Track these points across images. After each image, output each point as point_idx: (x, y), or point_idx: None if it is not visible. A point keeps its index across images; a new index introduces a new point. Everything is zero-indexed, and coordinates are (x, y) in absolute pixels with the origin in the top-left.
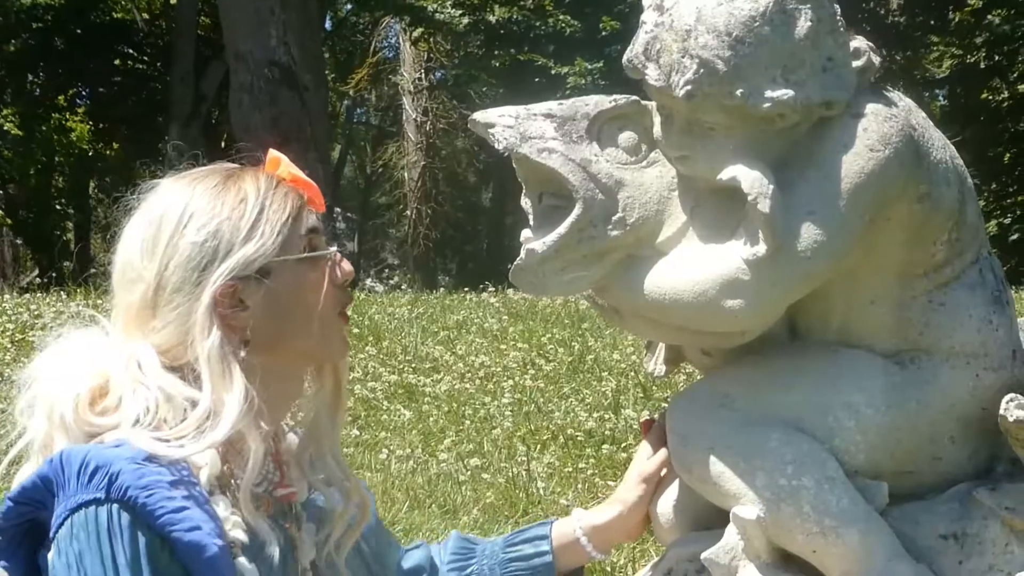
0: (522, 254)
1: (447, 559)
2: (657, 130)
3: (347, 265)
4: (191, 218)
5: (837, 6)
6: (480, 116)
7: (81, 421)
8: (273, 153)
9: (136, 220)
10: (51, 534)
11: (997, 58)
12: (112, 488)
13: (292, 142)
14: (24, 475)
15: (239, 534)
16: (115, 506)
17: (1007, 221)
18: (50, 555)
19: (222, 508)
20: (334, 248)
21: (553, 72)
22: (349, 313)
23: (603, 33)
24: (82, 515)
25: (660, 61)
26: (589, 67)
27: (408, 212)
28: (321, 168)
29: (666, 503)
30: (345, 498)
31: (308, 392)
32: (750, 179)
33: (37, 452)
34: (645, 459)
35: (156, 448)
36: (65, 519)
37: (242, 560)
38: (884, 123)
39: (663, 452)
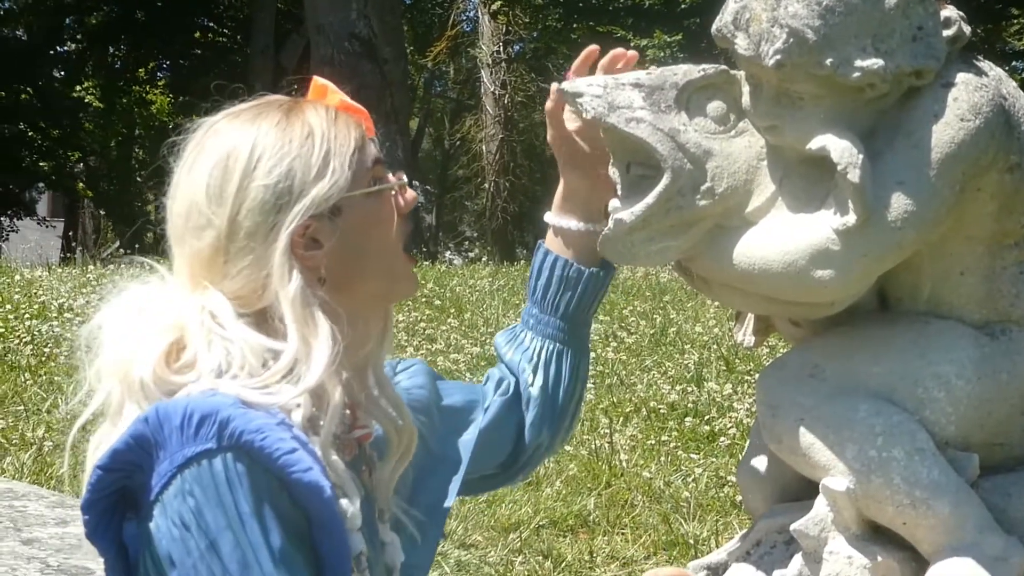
0: (610, 223)
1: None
2: (746, 100)
3: (410, 193)
4: (260, 159)
5: None
6: (568, 86)
7: (161, 381)
8: (319, 81)
9: (199, 163)
10: (151, 497)
11: None
12: (224, 435)
13: (372, 114)
14: (106, 441)
15: (333, 477)
16: (230, 454)
17: None
18: (152, 521)
19: (335, 459)
20: (399, 177)
21: (632, 44)
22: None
23: (682, 6)
24: (194, 469)
25: (749, 30)
26: (668, 39)
27: (486, 185)
28: (401, 140)
29: (754, 474)
30: (397, 433)
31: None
32: (840, 148)
33: (113, 416)
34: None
35: (251, 396)
36: (172, 477)
37: (344, 502)
38: (975, 92)
39: (552, 126)
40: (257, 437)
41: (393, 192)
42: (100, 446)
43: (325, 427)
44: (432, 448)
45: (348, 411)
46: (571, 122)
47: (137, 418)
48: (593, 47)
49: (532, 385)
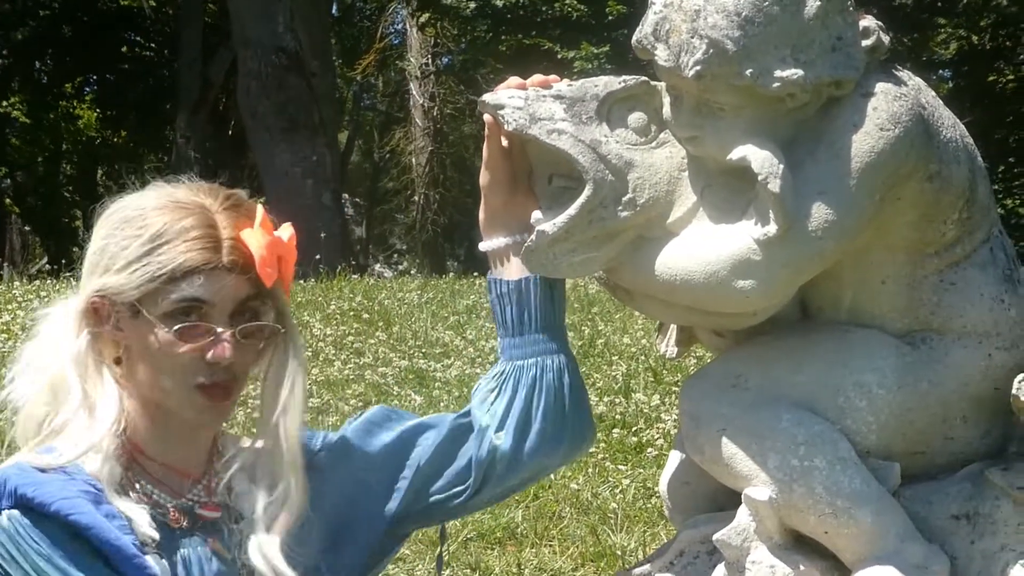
0: (532, 236)
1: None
2: (667, 111)
3: (222, 347)
4: (107, 217)
5: None
6: (489, 98)
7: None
8: (261, 209)
9: None
10: None
11: (1003, 40)
12: (4, 495)
13: (300, 128)
14: None
15: (148, 531)
16: (15, 511)
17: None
18: None
19: (127, 505)
20: (216, 331)
21: (560, 56)
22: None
23: (609, 17)
24: None
25: (669, 41)
26: (595, 51)
27: (416, 198)
28: (329, 154)
29: (677, 484)
30: (278, 502)
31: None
32: (760, 159)
33: None
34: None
35: (35, 459)
36: None
37: (153, 557)
38: (894, 102)
39: (491, 142)
40: (30, 490)
41: (202, 332)
42: None
43: (104, 479)
44: (362, 504)
45: (203, 487)
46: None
47: None
48: (518, 80)
49: (485, 403)
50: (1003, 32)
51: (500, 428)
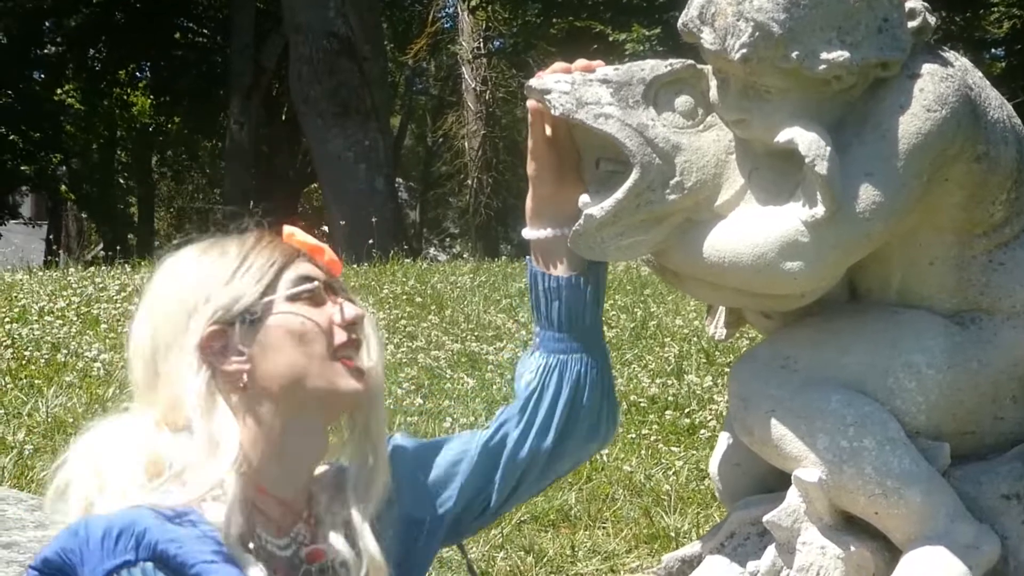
0: (580, 220)
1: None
2: (713, 94)
3: (351, 310)
4: (174, 280)
5: None
6: (536, 82)
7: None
8: (287, 229)
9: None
10: None
11: None
12: (141, 546)
13: (352, 113)
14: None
15: None
16: (149, 564)
17: None
18: None
19: (256, 571)
20: (341, 297)
21: (611, 38)
22: (355, 361)
23: None
24: None
25: (715, 24)
26: (647, 33)
27: (469, 182)
28: (381, 139)
29: (727, 466)
30: (357, 567)
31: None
32: (807, 141)
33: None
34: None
35: (161, 500)
36: None
37: None
38: (940, 83)
39: (535, 129)
40: (172, 547)
41: (328, 304)
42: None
43: (233, 530)
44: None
45: (307, 527)
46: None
47: (69, 528)
48: (563, 65)
49: (527, 401)
50: None
51: (544, 426)
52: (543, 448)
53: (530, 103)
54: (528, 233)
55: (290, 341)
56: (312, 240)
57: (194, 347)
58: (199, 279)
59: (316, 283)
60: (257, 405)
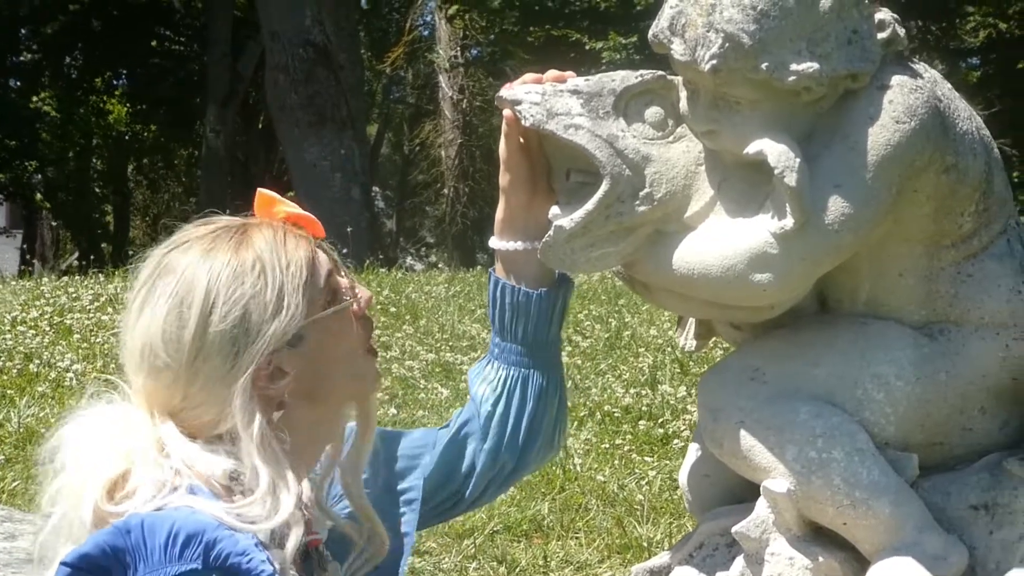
0: (550, 231)
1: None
2: (683, 105)
3: (364, 293)
4: (215, 305)
5: None
6: (506, 93)
7: (99, 516)
8: (264, 193)
9: (151, 304)
10: None
11: None
12: (211, 557)
13: (328, 122)
14: (71, 542)
15: None
16: None
17: None
18: None
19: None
20: (350, 283)
21: (588, 47)
22: (375, 342)
23: (637, 7)
24: None
25: (685, 35)
26: (623, 41)
27: (445, 190)
28: (358, 147)
29: (697, 477)
30: (364, 535)
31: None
32: (777, 152)
33: (64, 540)
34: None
35: (228, 519)
36: None
37: None
38: (910, 95)
39: (510, 140)
40: (243, 560)
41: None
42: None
43: (290, 548)
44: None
45: (300, 511)
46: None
47: (115, 525)
48: (534, 76)
49: (492, 415)
50: None
51: (511, 442)
52: (509, 461)
53: (506, 113)
54: (497, 244)
55: (330, 350)
56: (298, 210)
57: (248, 385)
58: (246, 307)
59: (340, 277)
60: (293, 412)
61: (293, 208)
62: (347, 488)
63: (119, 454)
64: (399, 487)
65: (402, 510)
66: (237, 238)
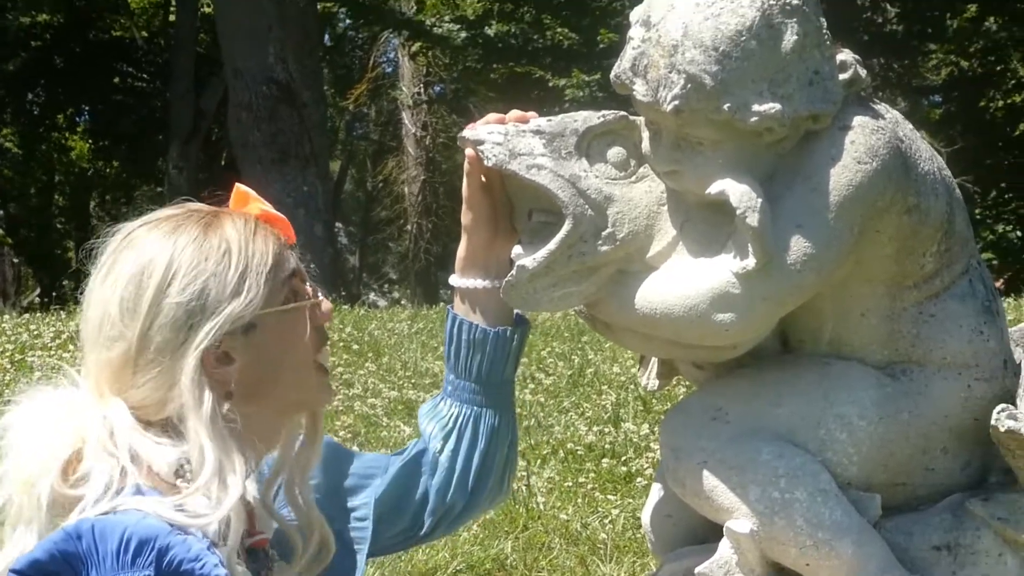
0: (513, 270)
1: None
2: (646, 145)
3: (326, 304)
4: (175, 276)
5: (823, 20)
6: (469, 133)
7: (59, 497)
8: (240, 188)
9: (114, 273)
10: None
11: (992, 65)
12: (163, 563)
13: (291, 158)
14: (22, 546)
15: None
16: None
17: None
18: None
19: (240, 571)
20: (315, 290)
21: (551, 84)
22: (328, 358)
23: (600, 45)
24: None
25: (648, 76)
26: (587, 79)
27: (409, 227)
28: (321, 184)
29: (659, 517)
30: (308, 536)
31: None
32: (739, 193)
33: (13, 523)
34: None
35: (177, 518)
36: None
37: None
38: (871, 135)
39: (472, 179)
40: (196, 566)
41: (310, 304)
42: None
43: (231, 540)
44: (339, 532)
45: (247, 516)
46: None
47: (65, 531)
48: (497, 116)
49: (440, 452)
50: (992, 58)
51: (462, 480)
52: (459, 500)
53: (468, 152)
54: (457, 281)
55: (280, 349)
56: (272, 209)
57: (197, 364)
58: (206, 283)
59: (302, 279)
60: (237, 406)
61: (268, 207)
62: (292, 493)
63: (69, 435)
64: (350, 504)
65: (352, 525)
66: (207, 220)
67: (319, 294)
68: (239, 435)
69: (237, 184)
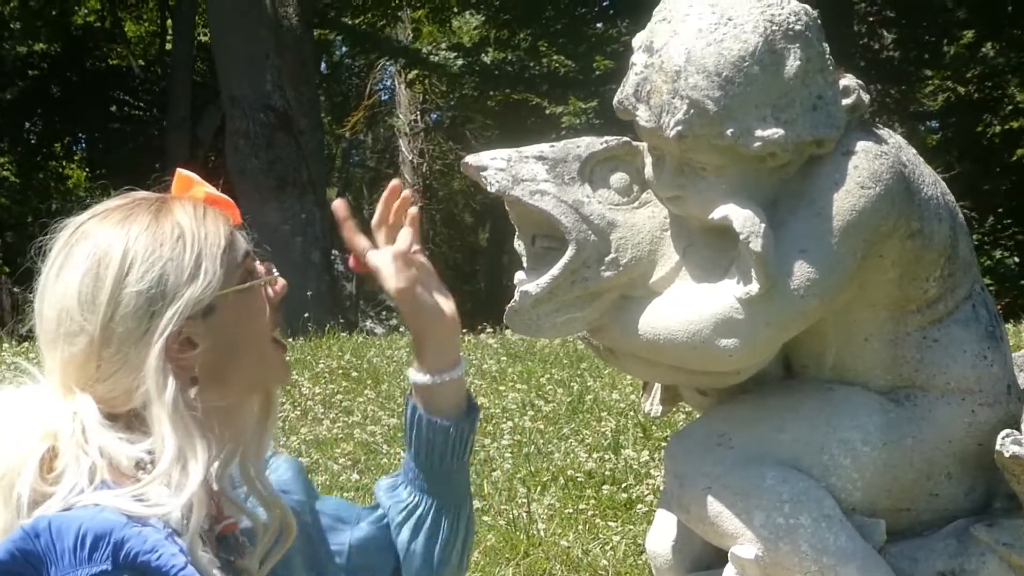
0: (516, 296)
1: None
2: (648, 171)
3: (280, 282)
4: (132, 265)
5: (826, 45)
6: (472, 159)
7: (37, 495)
8: (183, 173)
9: (68, 267)
10: None
11: (989, 91)
12: (120, 556)
13: (289, 186)
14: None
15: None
16: (126, 575)
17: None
18: None
19: (206, 559)
20: (269, 268)
21: (548, 111)
22: (280, 335)
23: (597, 72)
24: None
25: (651, 102)
26: (584, 106)
27: None
28: (318, 212)
29: (664, 543)
30: (268, 513)
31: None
32: (742, 218)
33: None
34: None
35: (134, 508)
36: None
37: None
38: (875, 160)
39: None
40: (153, 557)
41: (265, 282)
42: None
43: (191, 527)
44: (312, 537)
45: (214, 503)
46: (398, 280)
47: (23, 530)
48: (396, 182)
49: (398, 535)
50: (989, 83)
51: (419, 567)
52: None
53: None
54: (412, 376)
55: (241, 329)
56: (217, 192)
57: (160, 351)
58: (164, 270)
59: (255, 258)
60: (202, 393)
61: (212, 190)
62: (248, 476)
63: (40, 432)
64: (329, 539)
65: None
66: (157, 207)
67: (273, 271)
68: (201, 422)
69: (179, 170)
